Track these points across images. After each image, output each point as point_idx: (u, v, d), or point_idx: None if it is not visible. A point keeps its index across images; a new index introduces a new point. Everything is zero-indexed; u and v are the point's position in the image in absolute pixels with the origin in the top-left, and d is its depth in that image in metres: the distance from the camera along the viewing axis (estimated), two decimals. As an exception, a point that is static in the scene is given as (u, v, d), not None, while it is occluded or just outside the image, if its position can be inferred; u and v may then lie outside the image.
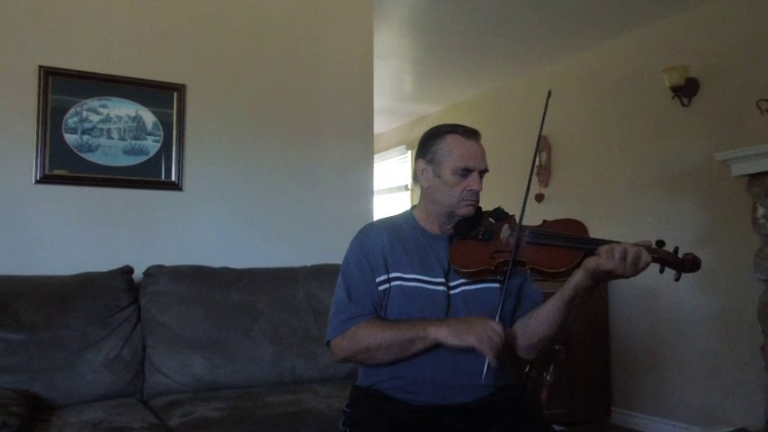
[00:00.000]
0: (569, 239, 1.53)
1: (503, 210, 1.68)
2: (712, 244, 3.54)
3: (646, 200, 3.98)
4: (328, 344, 1.67)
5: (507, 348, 1.69)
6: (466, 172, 1.63)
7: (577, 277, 1.48)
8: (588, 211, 4.23)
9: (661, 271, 1.48)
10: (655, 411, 3.87)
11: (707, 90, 3.65)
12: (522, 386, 1.81)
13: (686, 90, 3.67)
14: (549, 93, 1.68)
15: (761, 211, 3.22)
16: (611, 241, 1.46)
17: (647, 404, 3.93)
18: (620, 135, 4.18)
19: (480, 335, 1.47)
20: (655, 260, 1.45)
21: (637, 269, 1.43)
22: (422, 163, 1.70)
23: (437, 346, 1.57)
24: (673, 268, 1.46)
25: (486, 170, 1.67)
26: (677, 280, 1.47)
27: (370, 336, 1.57)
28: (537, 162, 4.78)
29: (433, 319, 1.56)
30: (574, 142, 4.55)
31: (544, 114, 1.65)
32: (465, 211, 1.65)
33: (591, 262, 1.45)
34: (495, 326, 1.48)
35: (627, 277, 1.45)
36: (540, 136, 1.68)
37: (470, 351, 1.50)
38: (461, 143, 1.65)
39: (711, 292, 3.59)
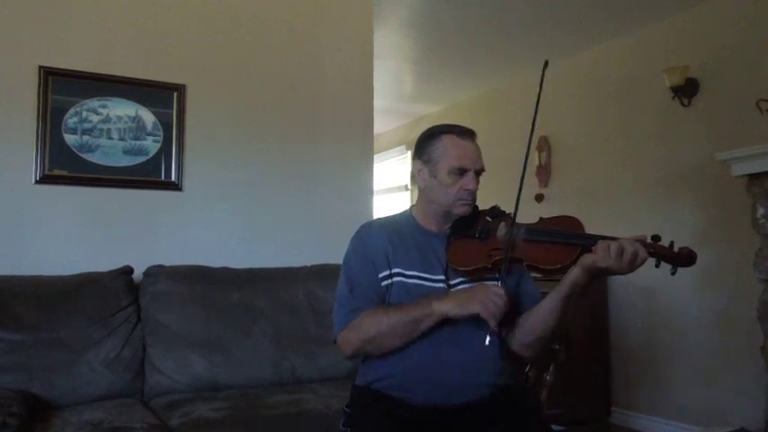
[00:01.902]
0: (565, 236, 1.53)
1: (499, 208, 1.68)
2: (712, 244, 3.54)
3: (646, 200, 3.98)
4: (336, 342, 1.66)
5: (506, 348, 1.69)
6: (461, 172, 1.63)
7: (573, 274, 1.48)
8: (588, 212, 4.23)
9: (657, 265, 1.48)
10: (655, 411, 3.87)
11: (707, 90, 3.65)
12: (522, 386, 1.81)
13: (686, 90, 3.68)
14: (546, 63, 1.67)
15: (761, 211, 3.21)
16: (607, 237, 1.46)
17: (646, 404, 3.93)
18: (620, 135, 4.18)
19: (485, 301, 1.48)
20: (651, 255, 1.44)
21: (633, 266, 1.42)
22: (418, 163, 1.71)
23: (436, 341, 1.58)
24: (669, 263, 1.46)
25: (482, 170, 1.67)
26: (673, 274, 1.47)
27: (375, 323, 1.57)
28: (537, 162, 4.79)
29: (435, 295, 1.57)
30: (574, 142, 4.55)
31: (541, 85, 1.64)
32: (461, 210, 1.66)
33: (587, 259, 1.45)
34: (499, 290, 1.49)
35: (623, 274, 1.44)
36: (536, 112, 1.65)
37: (470, 349, 1.51)
38: (456, 143, 1.65)
39: (711, 292, 3.59)
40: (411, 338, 1.57)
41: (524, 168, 1.63)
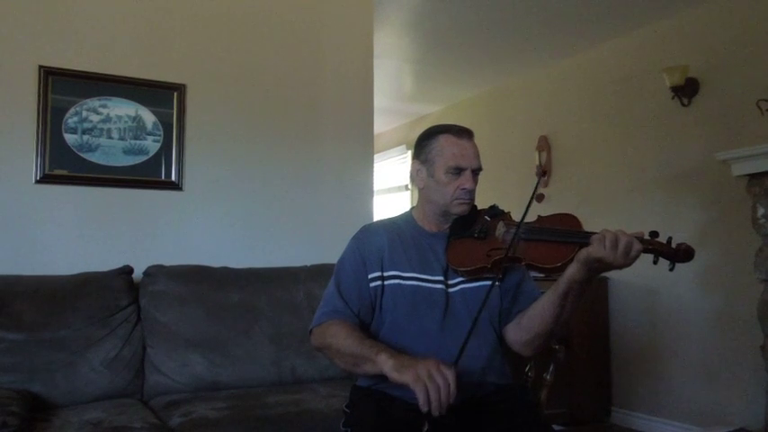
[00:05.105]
0: (564, 234, 1.53)
1: (498, 207, 1.69)
2: (712, 244, 3.54)
3: (646, 200, 3.98)
4: (310, 332, 1.69)
5: (505, 348, 1.69)
6: (458, 171, 1.63)
7: (571, 269, 1.48)
8: (588, 211, 4.23)
9: (655, 262, 1.47)
10: (655, 411, 3.87)
11: (707, 90, 3.65)
12: (522, 386, 1.82)
13: (686, 90, 3.67)
14: (544, 172, 1.68)
15: (761, 211, 3.22)
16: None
17: (646, 404, 3.93)
18: (620, 135, 4.19)
19: (420, 373, 1.32)
20: (648, 251, 1.44)
21: (629, 258, 1.41)
22: (416, 163, 1.72)
23: (436, 341, 1.58)
24: (666, 258, 1.45)
25: (479, 169, 1.67)
26: (672, 270, 1.47)
27: (336, 336, 1.57)
28: (537, 162, 4.80)
29: (391, 349, 1.49)
30: (574, 142, 4.55)
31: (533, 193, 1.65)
32: (459, 209, 1.66)
33: (582, 252, 1.44)
34: (446, 371, 1.33)
35: (620, 267, 1.43)
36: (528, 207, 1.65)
37: (469, 349, 1.50)
38: (453, 142, 1.65)
39: (711, 292, 3.59)
40: (352, 370, 1.57)
41: (531, 199, 1.62)
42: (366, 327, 1.67)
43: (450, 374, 1.33)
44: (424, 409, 1.31)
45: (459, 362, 1.41)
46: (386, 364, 1.42)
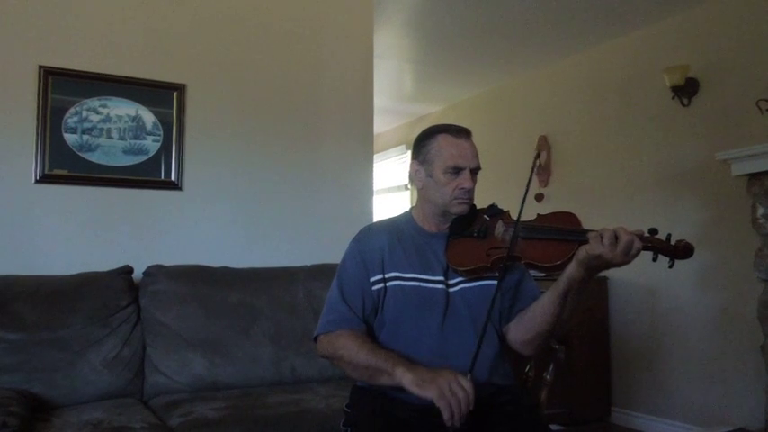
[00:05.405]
0: (563, 232, 1.52)
1: (497, 206, 1.69)
2: (712, 243, 3.54)
3: (646, 200, 3.98)
4: (315, 339, 1.70)
5: (505, 349, 1.69)
6: (457, 170, 1.63)
7: (570, 268, 1.48)
8: (588, 211, 4.23)
9: (654, 259, 1.47)
10: (654, 411, 3.88)
11: (707, 90, 3.65)
12: (521, 386, 1.82)
13: (686, 90, 3.68)
14: (538, 154, 1.68)
15: (761, 210, 3.22)
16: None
17: (646, 404, 3.93)
18: (620, 135, 4.19)
19: (443, 389, 1.38)
20: (647, 248, 1.44)
21: (628, 255, 1.41)
22: (415, 164, 1.72)
23: (436, 341, 1.59)
24: (666, 255, 1.45)
25: (478, 168, 1.67)
26: (671, 267, 1.46)
27: (347, 348, 1.59)
28: (537, 162, 4.80)
29: (407, 361, 1.52)
30: (574, 142, 4.55)
31: (532, 169, 1.64)
32: (458, 209, 1.66)
33: (581, 251, 1.44)
34: (464, 383, 1.40)
35: (619, 265, 1.43)
36: (530, 179, 1.66)
37: (469, 350, 1.50)
38: (451, 142, 1.65)
39: (711, 292, 3.59)
40: (368, 382, 1.60)
41: (525, 195, 1.61)
42: (371, 328, 1.67)
43: (468, 386, 1.40)
44: (449, 423, 1.38)
45: (473, 370, 1.44)
46: (404, 377, 1.46)
